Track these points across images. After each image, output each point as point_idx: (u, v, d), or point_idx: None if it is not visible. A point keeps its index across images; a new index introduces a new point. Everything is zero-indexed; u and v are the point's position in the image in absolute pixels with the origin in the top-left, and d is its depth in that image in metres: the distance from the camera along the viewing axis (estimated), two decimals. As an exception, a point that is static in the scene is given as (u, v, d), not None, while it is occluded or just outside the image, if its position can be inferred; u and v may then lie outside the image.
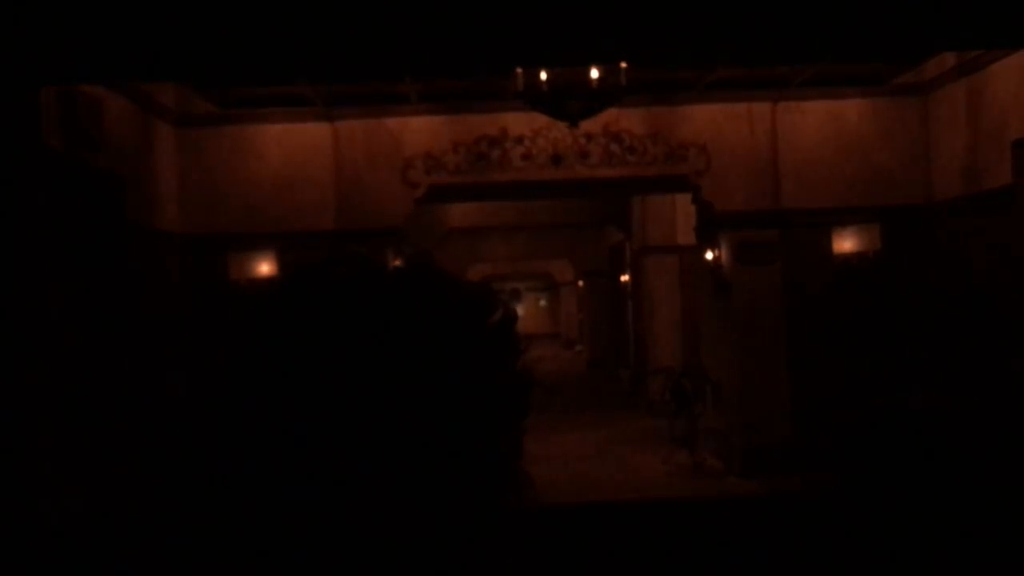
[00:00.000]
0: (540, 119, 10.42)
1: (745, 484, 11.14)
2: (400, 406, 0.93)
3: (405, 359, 0.94)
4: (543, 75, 8.84)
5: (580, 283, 33.73)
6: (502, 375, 0.99)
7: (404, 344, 0.95)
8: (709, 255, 12.09)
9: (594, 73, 8.79)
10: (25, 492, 6.63)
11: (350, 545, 0.92)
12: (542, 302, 51.46)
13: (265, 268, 10.77)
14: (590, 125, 10.56)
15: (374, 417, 0.93)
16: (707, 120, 11.56)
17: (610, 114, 10.47)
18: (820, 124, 11.61)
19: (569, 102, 9.01)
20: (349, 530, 0.92)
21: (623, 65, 8.77)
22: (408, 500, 0.93)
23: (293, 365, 0.94)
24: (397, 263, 1.07)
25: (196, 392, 1.01)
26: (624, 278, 22.55)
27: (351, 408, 0.92)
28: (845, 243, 11.29)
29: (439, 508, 0.94)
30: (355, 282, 0.98)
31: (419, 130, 11.47)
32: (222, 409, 0.97)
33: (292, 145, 11.42)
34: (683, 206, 15.34)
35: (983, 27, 6.82)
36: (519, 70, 8.88)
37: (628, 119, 11.39)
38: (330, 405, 0.93)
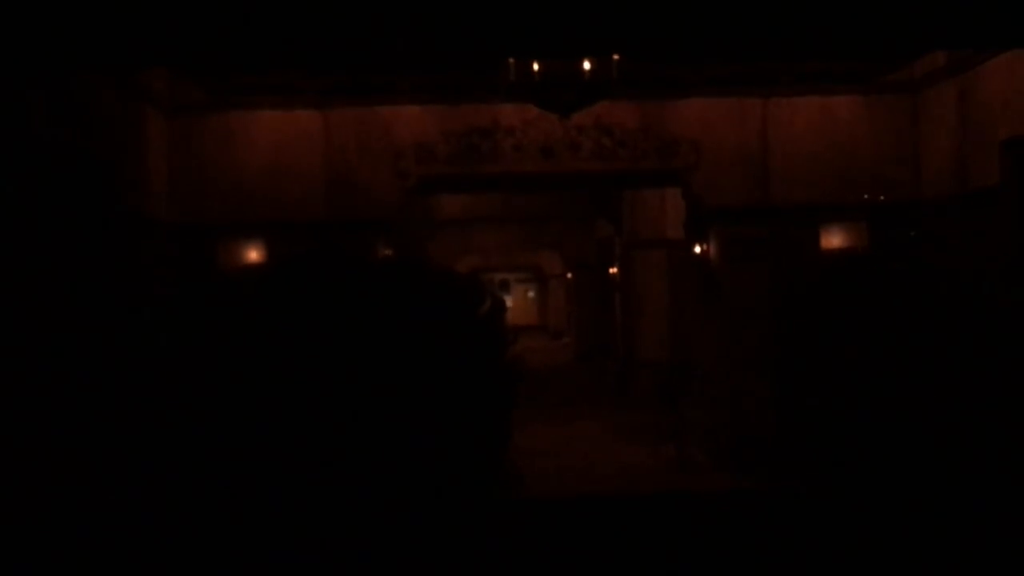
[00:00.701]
0: (531, 111, 10.43)
1: (731, 479, 11.16)
2: (386, 395, 0.94)
3: (391, 348, 0.95)
4: (535, 66, 8.84)
5: (569, 275, 33.74)
6: (490, 365, 1.00)
7: (390, 334, 0.96)
8: (698, 249, 12.11)
9: (586, 65, 8.80)
10: (19, 491, 6.62)
11: (336, 535, 0.94)
12: (530, 294, 51.36)
13: (255, 257, 10.74)
14: (581, 118, 10.56)
15: (358, 407, 0.94)
16: (698, 115, 11.57)
17: (601, 107, 10.47)
18: (811, 121, 11.63)
19: (561, 94, 9.01)
20: (335, 520, 0.94)
21: (615, 58, 8.77)
22: (394, 489, 0.94)
23: (277, 356, 0.95)
24: (387, 253, 1.08)
25: (182, 381, 1.02)
26: (613, 271, 22.56)
27: (336, 398, 0.94)
28: (834, 239, 11.32)
29: (426, 497, 0.96)
30: (340, 273, 1.00)
31: (410, 121, 11.45)
32: (207, 399, 0.98)
33: (283, 134, 11.39)
34: (673, 200, 15.36)
35: (974, 26, 6.85)
36: (511, 61, 8.87)
37: (620, 113, 11.40)
38: (314, 395, 0.94)
